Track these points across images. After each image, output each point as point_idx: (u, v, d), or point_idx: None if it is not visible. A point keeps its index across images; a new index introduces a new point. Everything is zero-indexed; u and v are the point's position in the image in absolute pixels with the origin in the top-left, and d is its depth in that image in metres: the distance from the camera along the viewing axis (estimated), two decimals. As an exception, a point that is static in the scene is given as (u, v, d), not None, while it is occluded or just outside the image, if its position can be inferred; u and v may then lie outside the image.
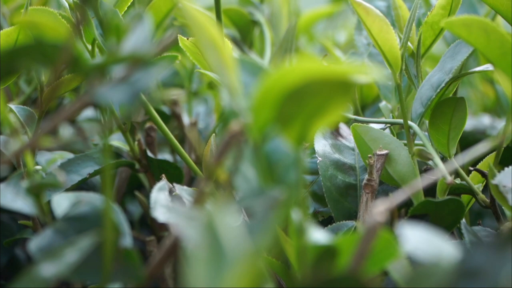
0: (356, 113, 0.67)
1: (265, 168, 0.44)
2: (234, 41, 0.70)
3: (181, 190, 0.55)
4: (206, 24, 0.42)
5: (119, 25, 0.42)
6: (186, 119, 0.71)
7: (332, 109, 0.41)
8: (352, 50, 0.66)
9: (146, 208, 0.67)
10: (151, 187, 0.65)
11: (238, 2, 0.71)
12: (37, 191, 0.47)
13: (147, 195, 0.69)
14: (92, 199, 0.48)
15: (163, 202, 0.53)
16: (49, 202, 0.49)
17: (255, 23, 0.69)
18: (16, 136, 0.44)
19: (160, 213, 0.52)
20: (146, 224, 0.72)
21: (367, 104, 0.71)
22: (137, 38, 0.43)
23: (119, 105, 0.52)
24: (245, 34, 0.70)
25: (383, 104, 0.64)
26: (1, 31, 0.55)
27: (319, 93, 0.39)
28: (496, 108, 0.88)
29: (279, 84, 0.39)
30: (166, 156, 0.69)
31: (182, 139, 0.69)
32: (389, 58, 0.57)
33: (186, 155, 0.57)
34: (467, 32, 0.54)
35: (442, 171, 0.55)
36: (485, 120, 0.80)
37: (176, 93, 0.71)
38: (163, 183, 0.54)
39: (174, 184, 0.54)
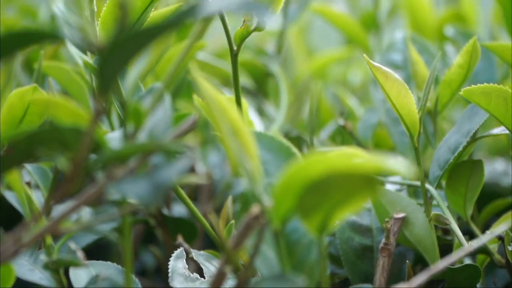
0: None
1: (286, 250, 0.44)
2: (249, 91, 0.70)
3: (198, 255, 0.55)
4: (226, 108, 0.42)
5: (138, 109, 0.42)
6: (200, 168, 0.71)
7: (355, 201, 0.40)
8: (368, 106, 0.66)
9: (160, 260, 0.67)
10: (166, 243, 0.65)
11: (253, 52, 0.70)
12: (56, 267, 0.47)
13: (161, 246, 0.70)
14: (111, 274, 0.48)
15: (181, 271, 0.53)
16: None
17: (271, 74, 0.69)
18: (38, 219, 0.44)
19: (177, 282, 0.52)
20: (160, 273, 0.72)
21: (382, 156, 0.71)
22: (157, 124, 0.43)
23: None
24: (260, 84, 0.70)
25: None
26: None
27: (342, 187, 0.39)
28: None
29: (301, 175, 0.39)
30: (181, 209, 0.69)
31: (196, 190, 0.69)
32: (407, 122, 0.57)
33: (203, 219, 0.57)
34: (486, 100, 0.54)
35: (459, 236, 0.55)
36: (499, 165, 0.79)
37: (190, 143, 0.71)
38: (180, 251, 0.54)
39: (192, 250, 0.54)
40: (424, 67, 0.64)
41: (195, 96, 0.58)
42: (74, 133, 0.40)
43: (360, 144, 0.65)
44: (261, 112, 0.70)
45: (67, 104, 0.42)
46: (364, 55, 0.55)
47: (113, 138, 0.43)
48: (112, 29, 0.52)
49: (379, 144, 0.71)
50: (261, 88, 0.70)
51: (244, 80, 0.70)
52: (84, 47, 0.50)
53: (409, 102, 0.56)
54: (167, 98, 0.44)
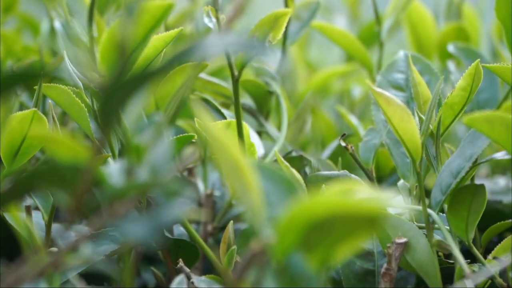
0: (371, 184, 0.66)
1: (287, 283, 0.44)
2: (250, 111, 0.70)
3: (200, 281, 0.55)
4: (227, 145, 0.42)
5: (139, 146, 0.42)
6: (201, 187, 0.70)
7: (358, 238, 0.40)
8: (370, 127, 0.65)
9: (161, 282, 0.66)
10: (167, 264, 0.65)
11: (254, 71, 0.70)
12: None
13: (163, 265, 0.70)
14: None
15: (182, 299, 0.53)
16: None
17: (272, 93, 0.69)
18: (40, 252, 0.43)
19: (178, 311, 0.52)
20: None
21: (383, 176, 0.71)
22: (157, 159, 0.43)
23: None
24: (262, 104, 0.69)
25: (401, 183, 0.64)
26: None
27: (345, 225, 0.39)
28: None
29: (305, 214, 0.39)
30: (182, 230, 0.68)
31: (198, 208, 0.69)
32: (410, 147, 0.57)
33: (204, 245, 0.57)
34: (489, 128, 0.54)
35: (461, 263, 0.55)
36: (501, 182, 0.79)
37: (191, 162, 0.71)
38: (181, 277, 0.54)
39: (193, 276, 0.54)
40: (426, 89, 0.64)
41: (196, 120, 0.58)
42: (74, 170, 0.40)
43: (361, 165, 0.64)
44: (262, 131, 0.70)
45: (66, 140, 0.42)
46: (367, 80, 0.55)
47: (113, 172, 0.43)
48: (113, 61, 0.52)
49: (380, 164, 0.70)
50: (262, 106, 0.69)
51: (245, 98, 0.70)
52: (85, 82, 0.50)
53: (411, 128, 0.56)
54: (168, 133, 0.43)
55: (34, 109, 0.58)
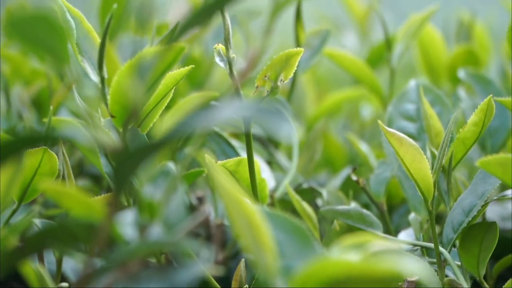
0: (382, 217, 0.66)
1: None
2: (261, 141, 0.70)
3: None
4: (240, 200, 0.42)
5: (152, 204, 0.41)
6: (211, 215, 0.70)
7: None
8: (381, 159, 0.65)
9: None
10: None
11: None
12: None
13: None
14: None
15: None
16: None
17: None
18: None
19: None
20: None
21: (394, 205, 0.70)
22: (171, 214, 0.43)
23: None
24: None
25: (412, 217, 0.64)
26: None
27: (360, 285, 0.39)
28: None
29: (320, 274, 0.39)
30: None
31: (208, 238, 0.69)
32: (422, 186, 0.56)
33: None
34: (502, 171, 0.53)
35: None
36: (510, 207, 0.79)
37: (201, 192, 0.71)
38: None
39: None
40: (437, 121, 0.64)
41: (206, 157, 0.58)
42: (88, 228, 0.40)
43: (372, 199, 0.64)
44: (272, 161, 0.70)
45: (80, 196, 0.42)
46: (379, 121, 0.54)
47: (127, 230, 0.42)
48: (124, 104, 0.52)
49: (391, 192, 0.70)
50: (272, 139, 0.69)
51: (255, 128, 0.70)
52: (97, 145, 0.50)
53: (423, 167, 0.56)
54: (181, 187, 0.43)
55: (44, 147, 0.58)
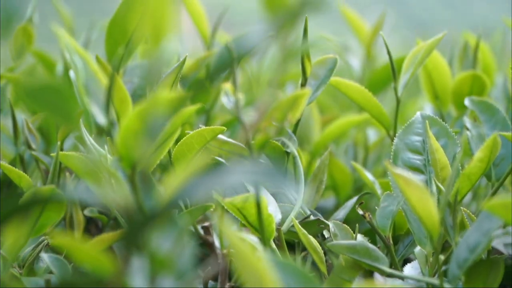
0: (387, 250, 0.66)
1: None
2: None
3: None
4: (251, 257, 0.42)
5: (163, 260, 0.42)
6: (217, 245, 0.70)
7: None
8: (387, 192, 0.65)
9: None
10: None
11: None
12: None
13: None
14: None
15: None
16: None
17: (288, 153, 0.69)
18: None
19: None
20: None
21: (400, 235, 0.71)
22: (181, 266, 0.43)
23: None
24: (278, 164, 0.69)
25: (418, 250, 0.64)
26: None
27: None
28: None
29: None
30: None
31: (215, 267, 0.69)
32: (428, 225, 0.57)
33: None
34: (506, 212, 0.54)
35: None
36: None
37: (207, 222, 0.72)
38: None
39: None
40: (443, 155, 0.64)
41: (218, 196, 0.59)
42: (97, 283, 0.40)
43: (379, 233, 0.64)
44: (278, 192, 0.70)
45: (89, 250, 0.42)
46: (386, 163, 0.55)
47: (138, 278, 0.43)
48: (133, 148, 0.52)
49: (397, 222, 0.70)
50: (278, 166, 0.69)
51: (262, 160, 0.70)
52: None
53: (429, 206, 0.56)
54: (189, 241, 0.44)
55: (52, 186, 0.58)
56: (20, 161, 0.78)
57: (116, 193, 0.44)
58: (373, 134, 0.97)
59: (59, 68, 0.93)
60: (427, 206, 0.56)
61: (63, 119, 0.37)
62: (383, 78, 0.91)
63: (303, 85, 0.68)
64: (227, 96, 0.56)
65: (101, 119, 0.55)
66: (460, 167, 0.65)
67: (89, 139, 0.61)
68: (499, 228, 0.59)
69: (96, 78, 0.56)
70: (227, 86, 0.56)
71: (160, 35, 0.41)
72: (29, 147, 0.76)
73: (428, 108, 0.90)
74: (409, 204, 0.57)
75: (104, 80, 0.55)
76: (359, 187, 0.88)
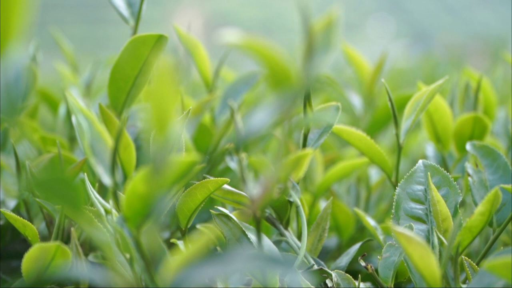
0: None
1: None
2: (270, 220, 0.71)
3: None
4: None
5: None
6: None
7: None
8: (389, 243, 0.66)
9: None
10: None
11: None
12: None
13: None
14: None
15: None
16: None
17: (291, 202, 0.69)
18: None
19: None
20: None
21: (401, 283, 0.71)
22: None
23: None
24: (282, 213, 0.70)
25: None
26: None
27: None
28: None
29: None
30: None
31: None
32: (429, 281, 0.57)
33: None
34: (506, 272, 0.54)
35: None
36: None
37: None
38: None
39: None
40: (444, 207, 0.65)
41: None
42: None
43: (381, 284, 0.65)
44: (282, 240, 0.71)
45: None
46: (389, 224, 0.55)
47: None
48: (138, 211, 0.52)
49: (398, 270, 0.71)
50: (282, 215, 0.70)
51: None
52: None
53: (431, 263, 0.57)
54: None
55: (57, 243, 0.59)
56: (24, 205, 0.79)
57: (123, 268, 0.44)
58: (375, 173, 0.98)
59: (62, 110, 0.93)
60: (428, 263, 0.57)
61: (71, 210, 0.38)
62: (385, 116, 0.92)
63: (305, 138, 0.68)
64: (231, 156, 0.56)
65: (107, 179, 0.56)
66: (462, 219, 0.65)
67: (94, 193, 0.61)
68: (500, 282, 0.59)
69: (101, 138, 0.56)
70: (231, 145, 0.56)
71: (165, 123, 0.41)
72: (33, 194, 0.77)
73: (429, 147, 0.90)
74: (410, 261, 0.57)
75: (109, 140, 0.56)
76: (362, 227, 0.88)
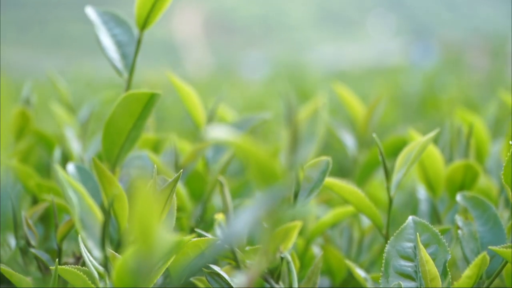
0: None
1: None
2: (261, 275, 0.71)
3: None
4: None
5: None
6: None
7: None
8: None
9: None
10: None
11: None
12: None
13: None
14: None
15: None
16: None
17: (282, 258, 0.70)
18: None
19: None
20: None
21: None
22: None
23: None
24: (273, 269, 0.71)
25: None
26: None
27: None
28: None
29: None
30: None
31: None
32: None
33: None
34: None
35: None
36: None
37: None
38: None
39: None
40: (433, 266, 0.65)
41: None
42: None
43: None
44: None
45: None
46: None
47: None
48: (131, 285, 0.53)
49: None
50: (273, 271, 0.71)
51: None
52: None
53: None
54: None
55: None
56: (21, 254, 0.79)
57: None
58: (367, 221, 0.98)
59: (57, 153, 0.94)
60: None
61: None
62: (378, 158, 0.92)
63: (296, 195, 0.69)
64: (220, 227, 0.57)
65: (97, 253, 0.56)
66: (450, 278, 0.66)
67: (88, 256, 0.62)
68: None
69: (91, 212, 0.57)
70: (220, 216, 0.57)
71: (149, 241, 0.42)
72: (29, 244, 0.77)
73: (421, 190, 0.91)
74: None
75: (99, 214, 0.57)
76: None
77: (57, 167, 0.58)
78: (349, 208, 0.86)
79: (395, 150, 1.00)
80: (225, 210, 0.56)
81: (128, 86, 0.78)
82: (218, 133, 0.44)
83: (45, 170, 1.01)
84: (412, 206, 0.96)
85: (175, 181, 0.66)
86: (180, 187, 0.83)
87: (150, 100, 0.73)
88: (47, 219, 0.88)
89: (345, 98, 1.04)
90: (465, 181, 0.85)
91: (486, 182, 0.91)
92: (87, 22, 0.82)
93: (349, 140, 1.03)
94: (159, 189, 0.68)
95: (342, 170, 1.43)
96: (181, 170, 0.67)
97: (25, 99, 0.95)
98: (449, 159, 0.90)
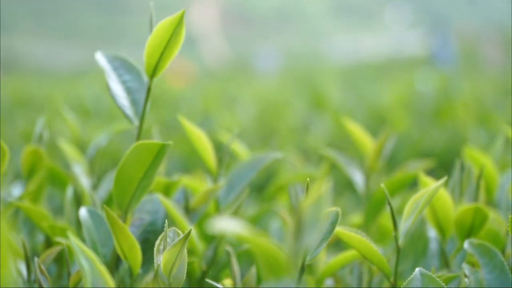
0: None
1: None
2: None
3: None
4: None
5: None
6: None
7: None
8: None
9: None
10: None
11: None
12: None
13: None
14: None
15: None
16: None
17: None
18: None
19: None
20: None
21: None
22: None
23: None
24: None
25: None
26: None
27: None
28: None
29: None
30: None
31: None
32: None
33: None
34: None
35: None
36: None
37: None
38: None
39: None
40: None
41: None
42: None
43: None
44: None
45: None
46: None
47: None
48: None
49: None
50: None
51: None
52: None
53: None
54: None
55: None
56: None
57: None
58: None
59: (69, 192, 0.95)
60: None
61: None
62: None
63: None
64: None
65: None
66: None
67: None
68: None
69: (102, 278, 0.58)
70: (228, 282, 0.58)
71: None
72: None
73: (431, 230, 0.92)
74: None
75: (110, 281, 0.58)
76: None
77: (69, 234, 0.58)
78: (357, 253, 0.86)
79: (404, 185, 1.01)
80: (233, 278, 0.57)
81: (139, 134, 0.79)
82: (225, 225, 0.44)
83: (59, 208, 1.02)
84: (421, 243, 0.97)
85: (185, 237, 0.67)
86: (191, 232, 0.84)
87: (161, 150, 0.74)
88: (60, 258, 0.89)
89: (355, 133, 1.04)
90: (474, 224, 0.86)
91: (494, 218, 0.91)
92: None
93: (358, 177, 1.03)
94: (171, 244, 0.69)
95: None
96: (191, 228, 0.68)
97: (37, 136, 0.96)
98: (458, 200, 0.91)
